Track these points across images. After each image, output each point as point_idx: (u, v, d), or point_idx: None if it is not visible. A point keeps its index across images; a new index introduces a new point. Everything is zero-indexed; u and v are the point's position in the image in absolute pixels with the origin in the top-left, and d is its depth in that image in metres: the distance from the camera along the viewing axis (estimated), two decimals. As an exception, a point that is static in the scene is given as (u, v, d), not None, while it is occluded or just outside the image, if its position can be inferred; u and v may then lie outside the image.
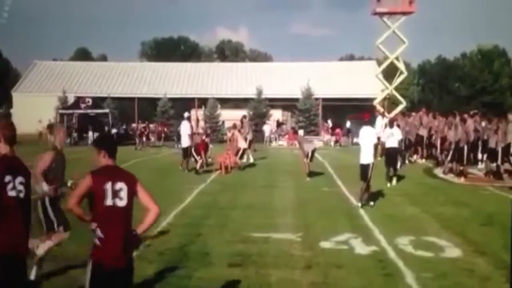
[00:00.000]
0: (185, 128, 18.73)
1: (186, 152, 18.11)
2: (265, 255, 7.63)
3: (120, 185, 3.77)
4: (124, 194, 3.76)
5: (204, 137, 19.64)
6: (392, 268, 7.00)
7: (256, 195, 13.33)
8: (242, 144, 19.16)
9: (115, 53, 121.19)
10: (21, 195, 3.79)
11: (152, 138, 37.01)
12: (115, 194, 3.73)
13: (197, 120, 46.56)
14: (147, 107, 50.11)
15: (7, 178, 3.75)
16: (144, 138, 33.14)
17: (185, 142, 18.34)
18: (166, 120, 40.80)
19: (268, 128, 38.96)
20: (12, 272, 3.72)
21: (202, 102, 43.96)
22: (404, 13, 36.09)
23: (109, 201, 3.73)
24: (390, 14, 36.42)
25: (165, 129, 38.53)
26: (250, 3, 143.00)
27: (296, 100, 42.25)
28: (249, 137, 21.38)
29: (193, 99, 46.18)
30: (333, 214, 10.84)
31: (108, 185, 3.73)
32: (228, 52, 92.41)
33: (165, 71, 51.96)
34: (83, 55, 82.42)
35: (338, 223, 9.86)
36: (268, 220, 10.18)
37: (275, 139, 38.54)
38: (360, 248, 8.03)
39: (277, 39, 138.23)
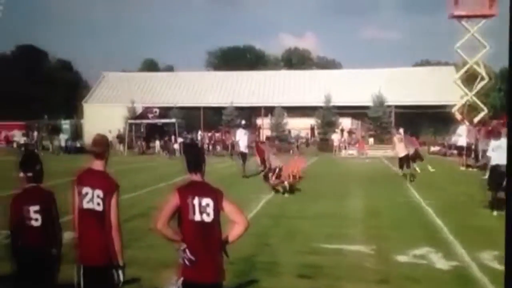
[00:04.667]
0: (241, 136, 19.19)
1: (244, 158, 18.77)
2: (337, 267, 7.49)
3: (207, 200, 3.74)
4: (210, 209, 3.73)
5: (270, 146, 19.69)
6: (476, 285, 6.65)
7: (326, 205, 13.19)
8: (277, 163, 17.63)
9: (181, 63, 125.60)
10: (99, 207, 3.95)
11: (218, 147, 37.76)
12: (202, 209, 3.72)
13: (259, 129, 47.02)
14: (213, 116, 51.25)
15: (85, 190, 3.96)
16: (210, 147, 33.90)
17: (243, 148, 19.06)
18: (232, 129, 41.49)
19: (336, 136, 38.59)
20: (96, 282, 3.94)
21: (269, 110, 44.27)
22: (484, 16, 34.70)
23: (197, 217, 3.72)
24: (469, 17, 35.20)
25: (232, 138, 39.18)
26: (316, 9, 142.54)
27: (367, 107, 41.46)
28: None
29: (259, 107, 46.65)
30: (409, 225, 10.48)
31: (196, 201, 3.72)
32: (295, 60, 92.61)
33: (231, 80, 52.96)
34: (150, 66, 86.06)
35: (415, 235, 9.52)
36: (339, 231, 10.03)
37: (345, 148, 38.05)
38: (440, 262, 7.69)
39: (346, 45, 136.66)
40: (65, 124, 47.24)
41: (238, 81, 52.56)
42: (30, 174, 4.15)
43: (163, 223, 3.70)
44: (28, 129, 43.49)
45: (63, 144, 35.83)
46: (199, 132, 43.25)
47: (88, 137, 43.22)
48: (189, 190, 3.78)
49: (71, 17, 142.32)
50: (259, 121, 48.88)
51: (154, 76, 58.90)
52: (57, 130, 43.68)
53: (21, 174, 4.17)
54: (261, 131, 46.70)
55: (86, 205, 3.98)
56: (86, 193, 3.97)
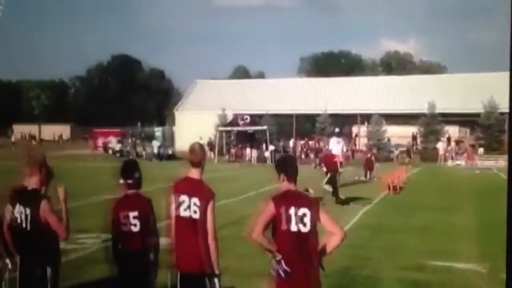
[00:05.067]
0: (334, 144, 18.99)
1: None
2: (447, 286, 6.97)
3: (303, 210, 3.73)
4: (307, 219, 3.73)
5: (369, 154, 19.20)
6: None
7: (431, 218, 12.46)
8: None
9: (273, 70, 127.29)
10: (195, 215, 4.03)
11: (311, 155, 37.54)
12: (299, 220, 3.72)
13: (355, 137, 45.93)
14: (305, 123, 51.07)
15: (182, 198, 4.07)
16: (302, 155, 33.78)
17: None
18: (325, 137, 41.04)
19: (442, 145, 36.75)
20: None
21: (365, 118, 43.18)
22: None
23: (293, 227, 3.71)
24: None
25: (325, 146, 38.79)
26: (418, 10, 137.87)
27: (477, 115, 38.96)
28: None
29: (355, 115, 45.65)
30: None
31: (292, 211, 3.72)
32: (395, 64, 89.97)
33: (325, 87, 52.50)
34: (241, 73, 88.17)
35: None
36: (447, 246, 9.38)
37: (451, 158, 36.10)
38: None
39: (452, 48, 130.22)
40: (158, 131, 49.61)
41: (333, 87, 51.96)
42: (130, 181, 4.36)
43: (258, 233, 3.72)
44: (123, 136, 46.21)
45: (155, 151, 37.49)
46: (292, 140, 43.25)
47: (179, 144, 45.03)
48: (285, 200, 3.78)
49: (163, 27, 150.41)
50: (355, 129, 47.91)
51: (245, 83, 60.06)
52: (150, 137, 45.97)
53: (121, 181, 4.36)
54: (357, 139, 45.68)
55: (183, 212, 4.09)
56: (183, 201, 4.08)
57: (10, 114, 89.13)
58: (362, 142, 43.43)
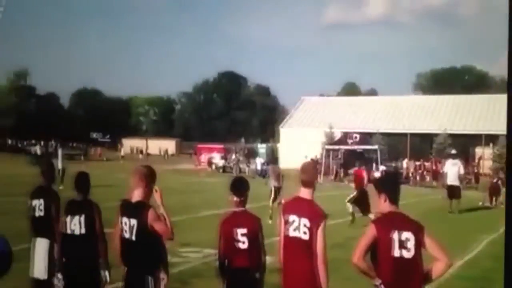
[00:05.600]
0: (449, 167, 18.20)
1: (452, 192, 17.59)
2: None
3: (407, 234, 3.68)
4: (411, 244, 3.67)
5: (495, 179, 17.95)
6: None
7: None
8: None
9: (385, 87, 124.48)
10: (305, 236, 4.06)
11: (428, 177, 35.96)
12: (402, 244, 3.67)
13: (479, 159, 43.11)
14: (421, 143, 49.11)
15: (291, 218, 4.14)
16: (418, 177, 32.57)
17: (451, 180, 17.88)
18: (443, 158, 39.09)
19: None
20: None
21: (490, 139, 40.52)
22: None
23: (396, 253, 3.66)
24: None
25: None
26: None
27: None
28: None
29: (479, 135, 43.06)
30: None
31: (395, 235, 3.67)
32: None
33: (444, 104, 50.24)
34: (351, 89, 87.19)
35: None
36: None
37: None
38: None
39: None
40: (261, 148, 50.42)
41: (454, 106, 49.54)
42: (241, 198, 4.54)
43: (358, 257, 3.73)
44: (226, 152, 47.54)
45: (258, 167, 38.04)
46: (405, 161, 41.76)
47: (283, 161, 45.34)
48: (387, 223, 3.76)
49: (271, 43, 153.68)
50: (478, 151, 45.11)
51: (354, 100, 59.29)
52: (253, 154, 46.81)
53: (234, 198, 4.52)
54: (481, 162, 42.97)
55: (292, 233, 4.13)
56: (293, 221, 4.13)
57: (120, 129, 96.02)
58: (486, 165, 40.78)
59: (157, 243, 4.27)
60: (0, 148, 61.68)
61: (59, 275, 5.09)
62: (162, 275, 4.40)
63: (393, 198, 3.84)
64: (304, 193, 4.25)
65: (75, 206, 4.91)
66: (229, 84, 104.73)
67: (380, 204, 3.89)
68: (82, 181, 5.08)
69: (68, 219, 4.86)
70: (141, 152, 66.27)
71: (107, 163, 50.72)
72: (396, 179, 4.25)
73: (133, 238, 4.19)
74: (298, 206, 4.19)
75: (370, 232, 3.74)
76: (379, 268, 3.69)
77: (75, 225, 4.81)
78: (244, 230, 4.35)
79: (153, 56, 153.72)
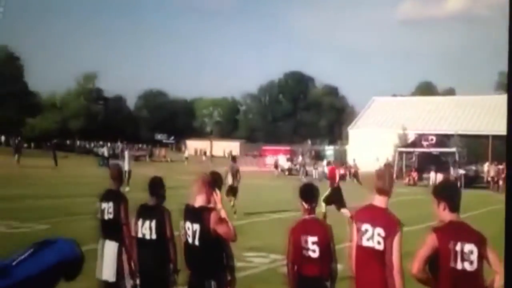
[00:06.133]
0: None
1: None
2: None
3: (470, 246, 3.60)
4: (474, 257, 3.59)
5: None
6: None
7: None
8: None
9: (464, 86, 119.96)
10: (379, 246, 4.03)
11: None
12: (464, 256, 3.59)
13: None
14: (503, 146, 46.84)
15: (364, 227, 4.12)
16: (500, 182, 31.18)
17: None
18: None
19: None
20: None
21: None
22: None
23: (458, 265, 3.58)
24: None
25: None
26: None
27: None
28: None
29: None
30: None
31: (457, 246, 3.59)
32: None
33: (531, 103, 47.80)
34: (426, 89, 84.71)
35: None
36: None
37: None
38: None
39: None
40: (329, 149, 49.98)
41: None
42: (312, 206, 4.52)
43: (418, 268, 3.67)
44: (292, 154, 47.43)
45: (326, 170, 37.69)
46: (486, 164, 40.06)
47: (351, 164, 44.74)
48: (449, 233, 3.66)
49: (340, 42, 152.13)
50: None
51: (430, 100, 57.54)
52: (320, 156, 46.45)
53: (304, 205, 4.51)
54: None
55: (365, 242, 4.11)
56: (366, 230, 4.11)
57: (185, 131, 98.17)
58: None
59: (220, 247, 4.36)
60: (69, 149, 64.68)
61: (132, 278, 5.36)
62: (227, 279, 4.44)
63: (454, 206, 3.72)
64: (378, 201, 4.18)
65: (147, 211, 5.03)
66: (296, 85, 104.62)
67: (439, 213, 3.76)
68: (156, 186, 5.17)
69: (140, 222, 4.99)
70: (205, 153, 67.40)
71: (171, 164, 51.98)
72: (456, 186, 4.13)
73: (196, 242, 4.29)
74: (372, 215, 4.14)
75: (430, 242, 3.66)
76: (439, 281, 3.62)
77: (146, 229, 4.93)
78: (315, 238, 4.33)
79: (218, 57, 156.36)
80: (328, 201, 14.27)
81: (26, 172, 30.07)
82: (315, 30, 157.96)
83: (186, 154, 62.09)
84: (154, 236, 4.89)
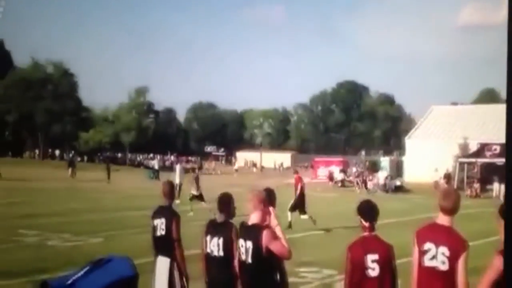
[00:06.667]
0: None
1: None
2: None
3: None
4: None
5: None
6: None
7: None
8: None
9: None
10: (443, 267, 3.96)
11: None
12: None
13: None
14: None
15: (427, 246, 4.07)
16: None
17: None
18: None
19: None
20: None
21: None
22: None
23: None
24: None
25: None
26: None
27: None
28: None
29: None
30: None
31: None
32: None
33: None
34: (489, 96, 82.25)
35: None
36: None
37: None
38: None
39: None
40: (384, 160, 49.07)
41: None
42: (373, 223, 4.47)
43: None
44: (345, 165, 46.91)
45: (381, 182, 37.05)
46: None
47: (409, 175, 43.76)
48: None
49: (392, 49, 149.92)
50: None
51: (494, 108, 55.71)
52: (375, 167, 45.73)
53: (362, 223, 4.46)
54: None
55: (428, 262, 4.05)
56: (429, 249, 4.05)
57: (235, 142, 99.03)
58: None
59: (274, 264, 4.35)
60: (120, 162, 66.43)
61: None
62: None
63: None
64: (443, 219, 4.09)
65: (215, 227, 5.11)
66: (349, 94, 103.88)
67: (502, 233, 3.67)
68: (225, 202, 5.21)
69: (208, 238, 5.07)
70: (255, 165, 67.63)
71: (221, 176, 52.42)
72: None
73: (249, 260, 4.32)
74: (436, 233, 4.05)
75: (496, 264, 3.52)
76: None
77: (214, 246, 5.01)
78: (375, 257, 4.27)
79: (268, 67, 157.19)
80: (293, 208, 15.49)
81: (80, 185, 31.04)
82: (370, 37, 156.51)
83: (236, 166, 62.53)
84: (221, 253, 4.96)
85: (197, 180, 19.01)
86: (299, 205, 15.77)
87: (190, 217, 13.57)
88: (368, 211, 4.49)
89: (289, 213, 15.14)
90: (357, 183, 37.74)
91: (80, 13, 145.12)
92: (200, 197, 18.44)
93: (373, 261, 4.27)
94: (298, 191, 16.30)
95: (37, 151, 73.91)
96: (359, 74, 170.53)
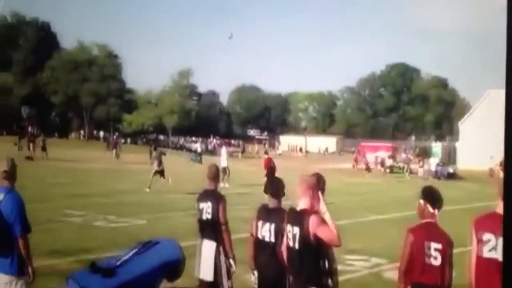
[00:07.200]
0: None
1: None
2: None
3: None
4: None
5: None
6: None
7: None
8: None
9: None
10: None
11: None
12: None
13: None
14: None
15: (486, 236, 4.02)
16: None
17: None
18: None
19: None
20: None
21: None
22: None
23: None
24: None
25: None
26: None
27: None
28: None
29: None
30: None
31: None
32: None
33: None
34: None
35: None
36: None
37: None
38: None
39: None
40: (436, 146, 48.17)
41: None
42: (439, 210, 4.38)
43: None
44: (394, 151, 46.23)
45: (433, 168, 36.39)
46: None
47: (462, 161, 42.80)
48: None
49: (443, 29, 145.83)
50: None
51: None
52: (426, 153, 44.93)
53: (430, 209, 4.38)
54: None
55: (486, 253, 4.00)
56: (488, 240, 3.99)
57: (278, 126, 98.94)
58: None
59: (322, 251, 4.34)
60: (163, 145, 67.44)
61: (229, 278, 5.67)
62: (329, 284, 4.42)
63: None
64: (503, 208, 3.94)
65: (268, 213, 5.15)
66: (399, 77, 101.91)
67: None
68: (277, 188, 5.25)
69: (260, 224, 5.13)
70: (300, 149, 67.46)
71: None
72: None
73: (297, 246, 4.34)
74: (496, 223, 3.88)
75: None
76: None
77: (266, 231, 5.07)
78: (439, 245, 4.21)
79: (313, 49, 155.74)
80: (266, 190, 15.95)
81: (123, 167, 31.69)
82: (421, 17, 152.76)
83: (279, 150, 62.51)
84: (273, 239, 5.00)
85: (160, 156, 20.72)
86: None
87: (232, 201, 13.69)
88: (437, 197, 4.41)
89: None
90: (407, 170, 37.17)
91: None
92: (161, 173, 19.90)
93: (435, 250, 4.21)
94: (266, 171, 16.98)
95: (82, 132, 75.90)
96: (410, 56, 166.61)
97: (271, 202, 5.18)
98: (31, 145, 34.71)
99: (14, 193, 4.89)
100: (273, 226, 5.00)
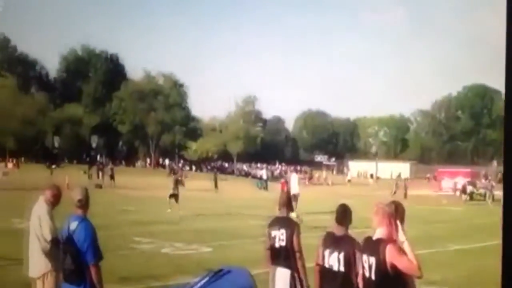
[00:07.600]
0: None
1: None
2: None
3: None
4: None
5: None
6: None
7: None
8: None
9: None
10: None
11: None
12: None
13: None
14: None
15: None
16: None
17: None
18: None
19: None
20: None
21: None
22: None
23: None
24: None
25: None
26: None
27: None
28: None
29: None
30: None
31: None
32: None
33: None
34: None
35: None
36: None
37: None
38: None
39: None
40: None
41: None
42: None
43: None
44: (474, 177, 44.66)
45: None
46: None
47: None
48: None
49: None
50: None
51: None
52: None
53: None
54: None
55: None
56: None
57: (347, 152, 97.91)
58: None
59: (401, 282, 4.23)
60: (228, 172, 68.16)
61: None
62: None
63: None
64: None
65: (335, 241, 5.11)
66: (478, 99, 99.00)
67: None
68: (344, 215, 5.21)
69: (327, 253, 5.07)
70: (371, 176, 66.34)
71: (332, 187, 51.98)
72: None
73: (373, 277, 4.25)
74: None
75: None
76: None
77: (334, 261, 5.01)
78: None
79: (383, 71, 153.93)
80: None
81: (188, 194, 32.16)
82: (502, 32, 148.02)
83: (348, 177, 61.69)
84: (342, 269, 4.94)
85: (177, 182, 22.18)
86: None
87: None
88: None
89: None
90: (489, 196, 35.61)
91: (186, 25, 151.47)
92: (175, 197, 21.28)
93: None
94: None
95: (148, 160, 78.01)
96: (488, 77, 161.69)
97: (338, 230, 5.12)
98: (100, 173, 35.96)
99: (87, 222, 5.10)
100: (342, 254, 4.93)
